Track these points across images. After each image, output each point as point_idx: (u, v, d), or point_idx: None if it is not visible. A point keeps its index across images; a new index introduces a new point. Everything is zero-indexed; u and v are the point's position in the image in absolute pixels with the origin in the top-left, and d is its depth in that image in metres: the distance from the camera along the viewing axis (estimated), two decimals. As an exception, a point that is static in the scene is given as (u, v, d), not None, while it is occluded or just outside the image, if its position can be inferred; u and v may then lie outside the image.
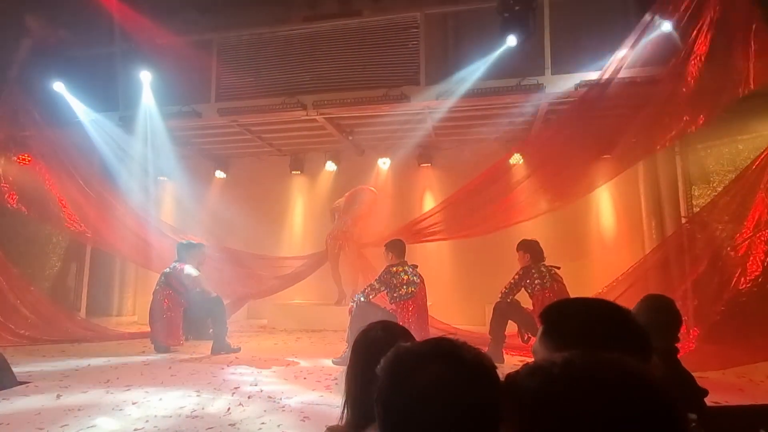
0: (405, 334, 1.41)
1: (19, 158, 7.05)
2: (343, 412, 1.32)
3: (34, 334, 5.65)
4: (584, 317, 0.93)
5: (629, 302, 1.84)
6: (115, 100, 6.37)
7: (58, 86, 6.17)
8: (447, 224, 5.74)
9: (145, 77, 5.99)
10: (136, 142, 6.24)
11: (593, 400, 0.57)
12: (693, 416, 1.54)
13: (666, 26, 4.58)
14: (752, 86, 4.42)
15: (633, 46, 4.62)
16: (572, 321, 0.93)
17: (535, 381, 0.63)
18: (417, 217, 6.08)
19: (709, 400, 1.88)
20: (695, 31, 4.48)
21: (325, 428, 1.47)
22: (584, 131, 5.20)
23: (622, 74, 4.79)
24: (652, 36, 4.64)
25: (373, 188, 6.96)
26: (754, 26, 4.26)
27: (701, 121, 4.63)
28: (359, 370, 1.31)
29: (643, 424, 0.56)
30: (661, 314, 1.92)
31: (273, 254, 7.55)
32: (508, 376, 0.68)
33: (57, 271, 7.48)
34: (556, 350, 0.90)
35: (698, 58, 4.47)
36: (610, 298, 4.70)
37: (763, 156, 4.51)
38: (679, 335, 1.98)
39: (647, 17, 4.57)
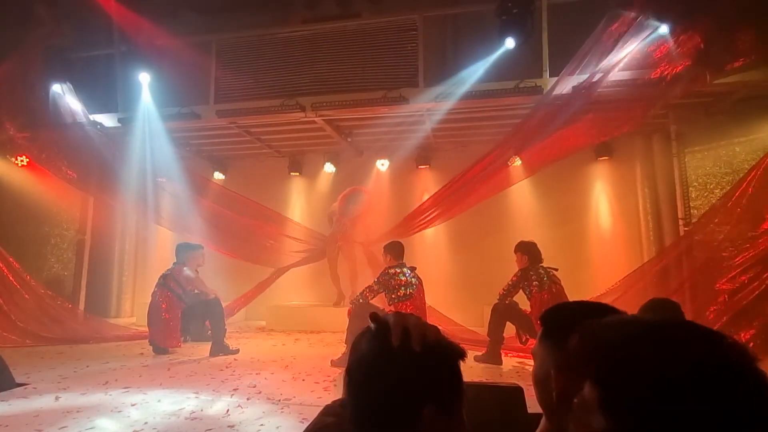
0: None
1: (17, 159, 7.08)
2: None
3: (38, 330, 5.74)
4: (575, 316, 0.95)
5: (628, 304, 1.86)
6: (114, 102, 6.37)
7: (57, 87, 6.18)
8: (442, 209, 5.86)
9: (144, 79, 6.00)
10: (134, 144, 6.24)
11: (681, 355, 0.57)
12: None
13: (662, 28, 4.62)
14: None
15: (625, 48, 4.67)
16: (564, 319, 0.94)
17: (618, 332, 0.63)
18: (413, 211, 6.14)
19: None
20: (685, 35, 4.54)
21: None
22: (579, 130, 5.25)
23: (617, 76, 4.84)
24: (646, 38, 4.68)
25: (362, 187, 7.02)
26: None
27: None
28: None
29: (733, 383, 0.55)
30: (659, 315, 1.94)
31: (271, 255, 7.58)
32: (584, 325, 0.68)
33: (55, 273, 7.47)
34: (547, 347, 0.92)
35: (687, 58, 4.54)
36: (609, 299, 4.76)
37: (763, 164, 4.56)
38: None
39: (640, 19, 4.61)
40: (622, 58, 4.62)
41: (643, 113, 4.94)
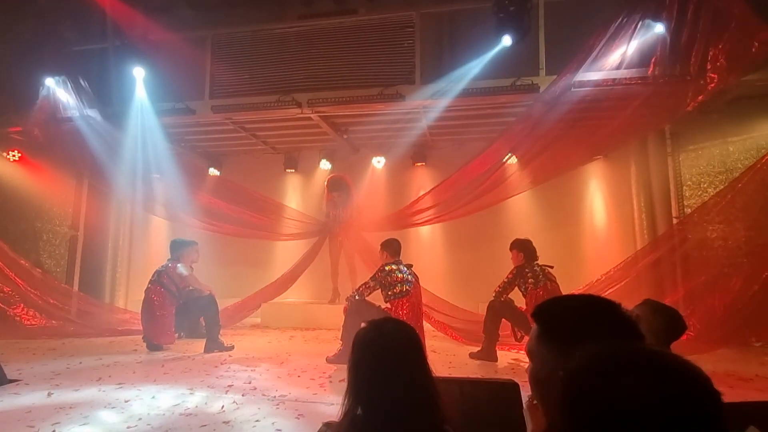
0: (413, 330, 1.42)
1: (9, 153, 7.00)
2: (345, 408, 1.32)
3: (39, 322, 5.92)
4: (577, 313, 0.94)
5: (621, 298, 1.86)
6: (108, 96, 6.31)
7: (50, 82, 6.11)
8: (438, 208, 5.89)
9: (139, 73, 5.94)
10: (128, 139, 6.19)
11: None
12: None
13: (658, 28, 4.64)
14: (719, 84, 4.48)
15: (620, 46, 4.69)
16: (565, 317, 0.94)
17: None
18: (410, 203, 6.18)
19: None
20: (682, 33, 4.56)
21: (321, 424, 1.47)
22: (574, 130, 5.27)
23: (612, 75, 4.85)
24: (643, 37, 4.70)
25: (341, 174, 7.10)
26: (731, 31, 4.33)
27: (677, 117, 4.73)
28: (368, 364, 1.31)
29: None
30: (659, 317, 1.94)
31: (267, 254, 7.56)
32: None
33: (47, 268, 7.39)
34: (551, 347, 0.91)
35: (683, 58, 4.55)
36: (601, 292, 4.85)
37: (762, 162, 4.60)
38: (673, 341, 1.98)
39: (637, 18, 4.63)
40: (623, 58, 4.63)
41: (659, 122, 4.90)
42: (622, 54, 4.72)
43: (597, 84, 4.83)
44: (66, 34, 6.23)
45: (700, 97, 4.50)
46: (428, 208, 6.00)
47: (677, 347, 2.00)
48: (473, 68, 5.25)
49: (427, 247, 7.22)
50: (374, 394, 1.26)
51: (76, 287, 7.27)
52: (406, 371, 1.28)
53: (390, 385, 1.25)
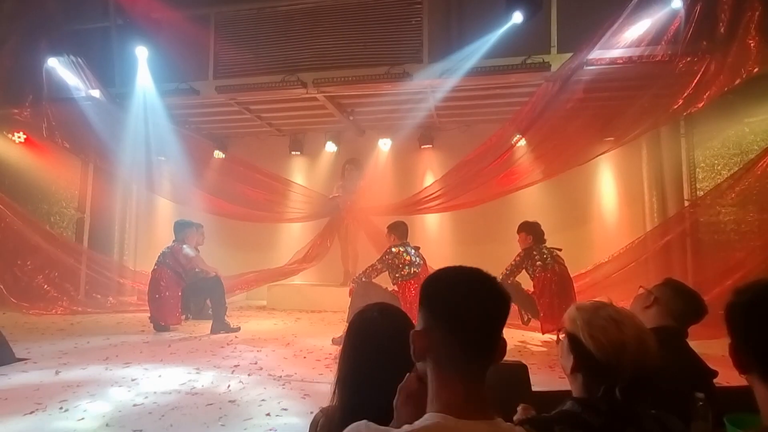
0: (402, 316, 1.36)
1: (14, 135, 6.98)
2: (333, 393, 1.28)
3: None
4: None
5: (629, 280, 1.81)
6: (111, 77, 6.22)
7: (53, 62, 6.04)
8: (447, 195, 5.87)
9: (141, 53, 5.85)
10: (132, 120, 6.13)
11: None
12: (700, 395, 1.51)
13: (676, 2, 4.47)
14: (755, 69, 4.33)
15: (639, 24, 4.54)
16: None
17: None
18: (418, 192, 6.16)
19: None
20: (702, 11, 4.40)
21: (317, 411, 1.43)
22: (588, 111, 5.14)
23: (629, 53, 4.70)
24: (659, 14, 4.54)
25: (357, 158, 7.09)
26: (758, 11, 4.18)
27: (701, 104, 4.57)
28: (353, 351, 1.26)
29: None
30: (679, 300, 1.88)
31: (271, 239, 7.54)
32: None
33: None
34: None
35: (703, 37, 4.40)
36: (612, 271, 4.82)
37: None
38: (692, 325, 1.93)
39: None
40: (641, 35, 4.49)
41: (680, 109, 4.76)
42: (639, 31, 4.56)
43: (612, 62, 4.69)
44: (59, 12, 6.13)
45: (714, 89, 4.38)
46: (438, 196, 5.94)
47: (696, 331, 1.94)
48: (482, 46, 5.10)
49: (434, 229, 7.15)
50: (356, 379, 1.20)
51: (83, 270, 7.31)
52: (394, 357, 1.21)
53: (377, 370, 1.18)
